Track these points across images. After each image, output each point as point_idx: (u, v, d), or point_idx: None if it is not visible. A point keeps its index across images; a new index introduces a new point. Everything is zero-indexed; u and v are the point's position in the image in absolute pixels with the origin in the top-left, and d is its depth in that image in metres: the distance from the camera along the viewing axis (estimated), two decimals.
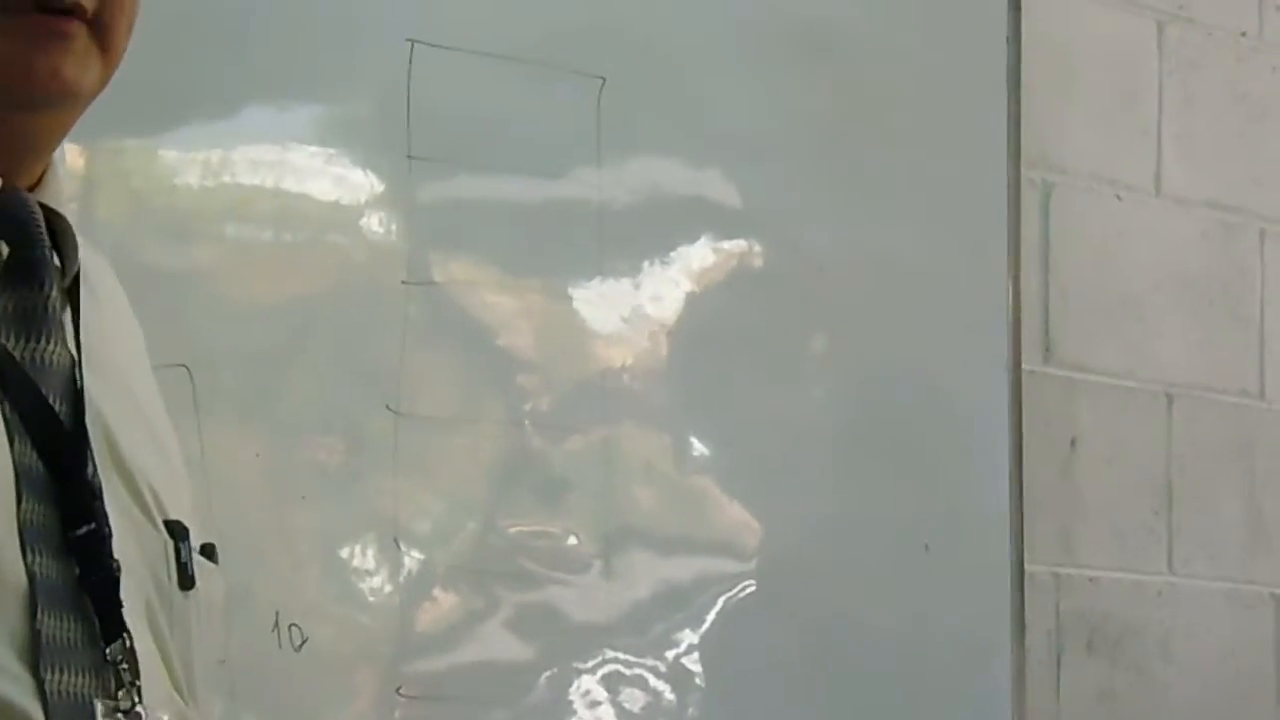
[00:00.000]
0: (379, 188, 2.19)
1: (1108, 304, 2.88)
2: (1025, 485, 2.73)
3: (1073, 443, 2.82)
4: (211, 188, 2.08)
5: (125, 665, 1.12)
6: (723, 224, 2.47)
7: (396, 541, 2.15)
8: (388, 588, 2.15)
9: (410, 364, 2.18)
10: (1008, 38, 2.78)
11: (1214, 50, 3.03)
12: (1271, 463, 3.03)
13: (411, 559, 2.16)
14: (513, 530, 2.25)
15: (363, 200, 2.18)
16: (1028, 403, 2.75)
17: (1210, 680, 2.91)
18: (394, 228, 2.20)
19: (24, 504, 1.09)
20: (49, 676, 1.08)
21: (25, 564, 1.09)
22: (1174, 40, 2.99)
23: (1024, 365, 2.76)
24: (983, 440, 2.69)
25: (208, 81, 2.05)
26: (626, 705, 2.31)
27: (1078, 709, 2.77)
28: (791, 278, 2.52)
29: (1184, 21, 3.00)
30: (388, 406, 2.16)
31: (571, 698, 2.27)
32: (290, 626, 2.06)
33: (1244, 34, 3.07)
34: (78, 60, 1.15)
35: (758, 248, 2.50)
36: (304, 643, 2.07)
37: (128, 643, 1.13)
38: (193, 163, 2.07)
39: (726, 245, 2.48)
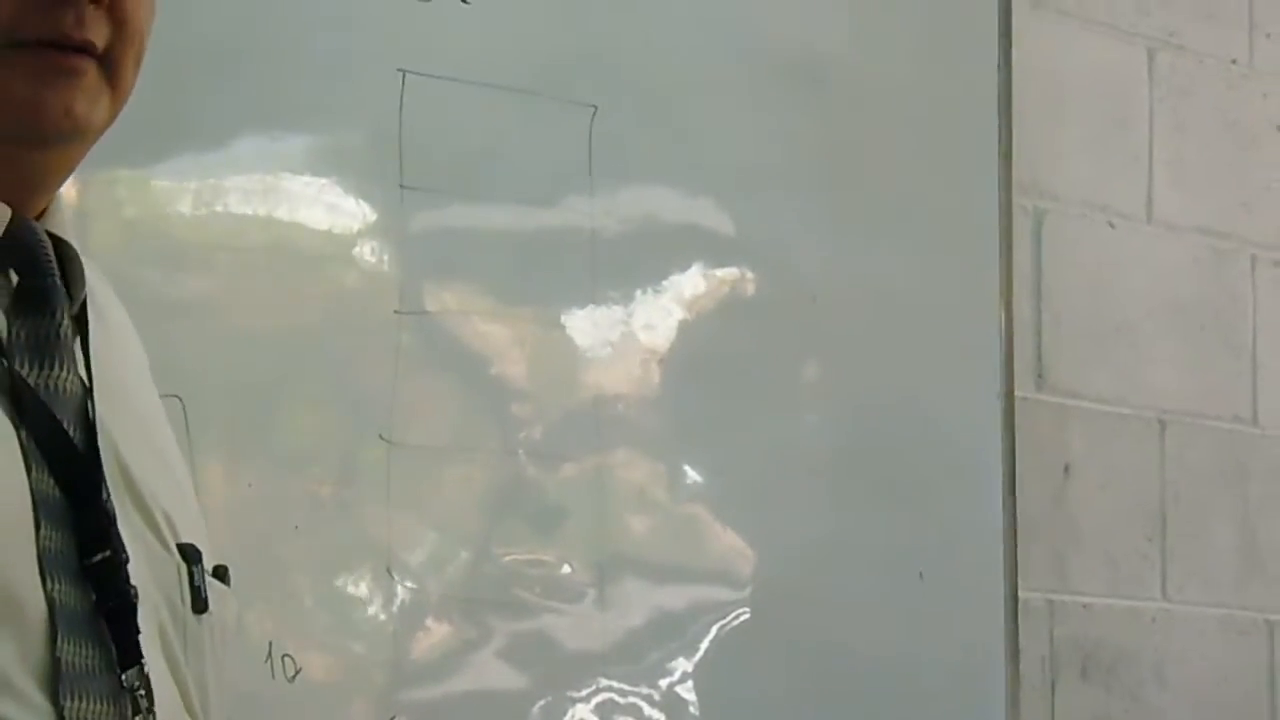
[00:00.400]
0: (371, 217, 2.19)
1: (1100, 330, 2.88)
2: (1019, 512, 2.73)
3: (1066, 469, 2.82)
4: (204, 218, 2.08)
5: (142, 692, 1.13)
6: (715, 252, 2.47)
7: (390, 571, 2.15)
8: (381, 617, 2.14)
9: (403, 393, 2.18)
10: (999, 65, 2.78)
11: (1204, 77, 3.04)
12: (1265, 488, 3.03)
13: (405, 589, 2.16)
14: (506, 559, 2.25)
15: (355, 230, 2.18)
16: (1021, 429, 2.75)
17: (1204, 706, 2.91)
18: (386, 257, 2.20)
19: (42, 531, 1.10)
20: (68, 704, 1.09)
21: (45, 591, 1.09)
22: (1165, 67, 3.00)
23: (1017, 392, 2.76)
24: (976, 467, 2.69)
25: (200, 112, 2.06)
26: None
27: None
28: (784, 305, 2.52)
29: (1174, 49, 3.01)
30: (380, 436, 2.16)
31: None
32: (284, 657, 2.06)
33: (1234, 61, 3.08)
34: (88, 97, 1.16)
35: (750, 275, 2.51)
36: (297, 673, 2.07)
37: (144, 669, 1.14)
38: (185, 193, 2.07)
39: (719, 273, 2.48)
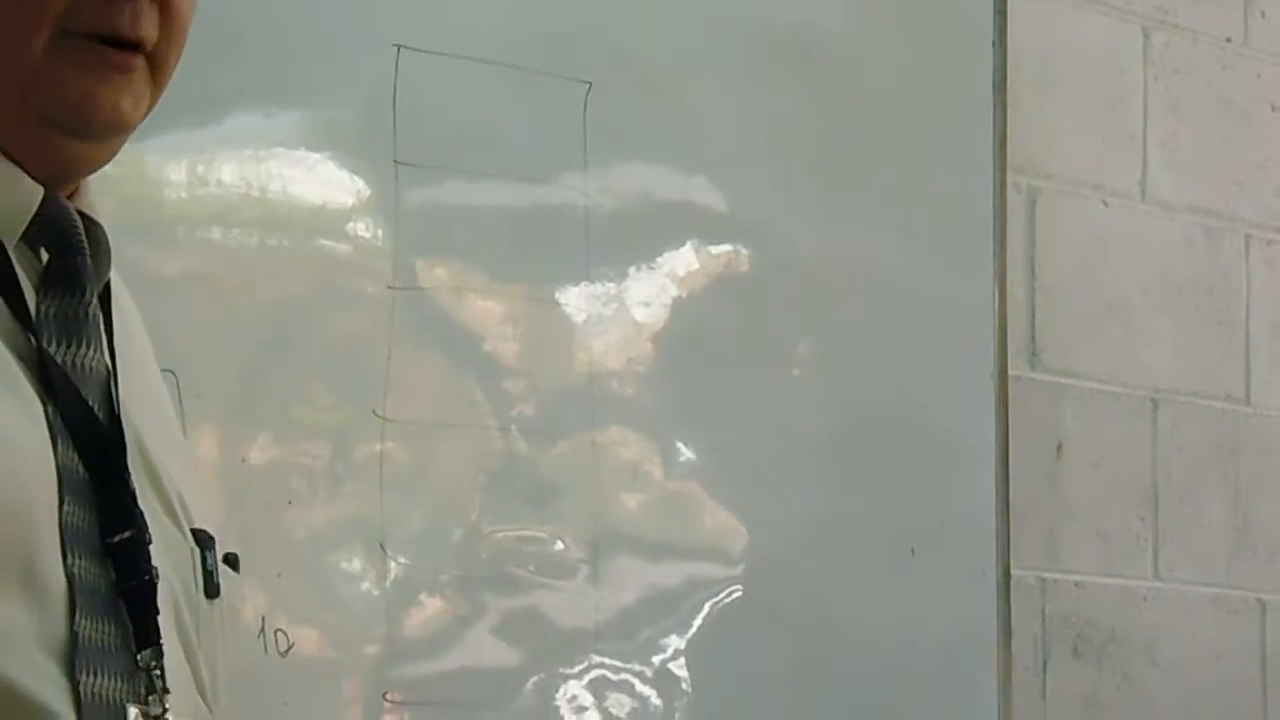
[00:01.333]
0: (365, 193, 2.19)
1: (1093, 309, 2.88)
2: (1011, 490, 2.74)
3: (1059, 448, 2.82)
4: (198, 193, 2.07)
5: (158, 671, 1.13)
6: (709, 229, 2.47)
7: (382, 547, 2.15)
8: (374, 593, 2.15)
9: (396, 369, 2.18)
10: (993, 44, 2.78)
11: (1199, 56, 3.04)
12: (1256, 468, 3.03)
13: (397, 564, 2.16)
14: (499, 535, 2.25)
15: (349, 205, 2.18)
16: (1014, 408, 2.76)
17: (1196, 685, 2.92)
18: (380, 233, 2.19)
19: (65, 506, 1.10)
20: (84, 679, 1.09)
21: (65, 566, 1.09)
22: (1159, 46, 3.00)
23: (1010, 371, 2.76)
24: (969, 445, 2.70)
25: (195, 86, 2.04)
26: (613, 710, 2.31)
27: (1064, 714, 2.77)
28: (778, 283, 2.52)
29: (1169, 28, 3.01)
30: (374, 412, 2.16)
31: (558, 702, 2.27)
32: (276, 632, 2.06)
33: (1229, 40, 3.08)
34: (134, 94, 1.17)
35: (744, 253, 2.51)
36: (290, 648, 2.07)
37: (161, 649, 1.14)
38: (180, 168, 2.07)
39: (713, 250, 2.48)
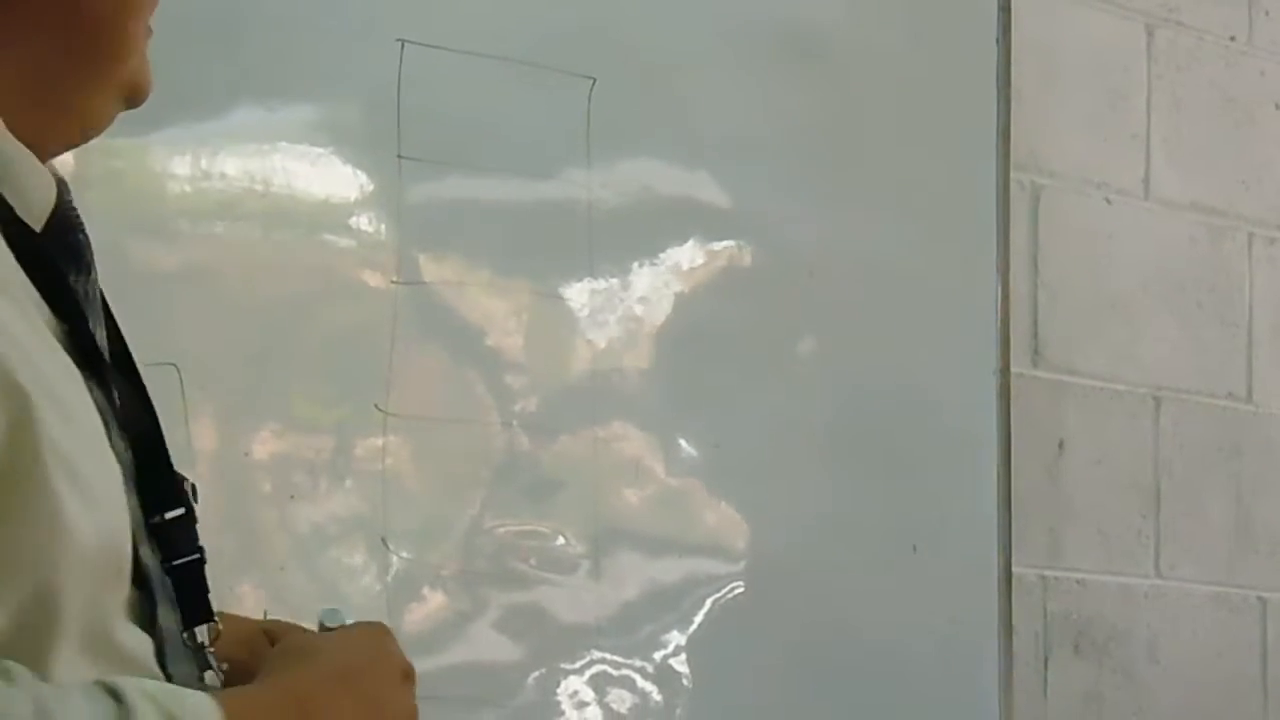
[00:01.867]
0: (369, 187, 2.19)
1: (1096, 307, 2.88)
2: (1013, 487, 2.74)
3: (1060, 445, 2.82)
4: (202, 187, 2.07)
5: (212, 649, 1.12)
6: (712, 225, 2.47)
7: (384, 541, 2.15)
8: (375, 587, 2.15)
9: (399, 364, 2.18)
10: (997, 40, 2.78)
11: (1203, 54, 3.04)
12: (1258, 466, 3.03)
13: (399, 559, 2.16)
14: (501, 530, 2.25)
15: (352, 200, 2.18)
16: (1016, 405, 2.76)
17: (1196, 682, 2.92)
18: (383, 227, 2.19)
19: (130, 494, 1.07)
20: (175, 671, 1.07)
21: (139, 556, 1.07)
22: (1163, 44, 3.00)
23: (1012, 368, 2.76)
24: (971, 442, 2.69)
25: (198, 81, 2.05)
26: (614, 705, 2.31)
27: (1065, 711, 2.78)
28: (780, 279, 2.52)
29: (1173, 25, 3.01)
30: (376, 406, 2.16)
31: (559, 698, 2.27)
32: None
33: (1233, 38, 3.08)
34: None
35: (747, 249, 2.51)
36: None
37: (218, 625, 1.12)
38: (183, 162, 2.07)
39: (716, 246, 2.48)
